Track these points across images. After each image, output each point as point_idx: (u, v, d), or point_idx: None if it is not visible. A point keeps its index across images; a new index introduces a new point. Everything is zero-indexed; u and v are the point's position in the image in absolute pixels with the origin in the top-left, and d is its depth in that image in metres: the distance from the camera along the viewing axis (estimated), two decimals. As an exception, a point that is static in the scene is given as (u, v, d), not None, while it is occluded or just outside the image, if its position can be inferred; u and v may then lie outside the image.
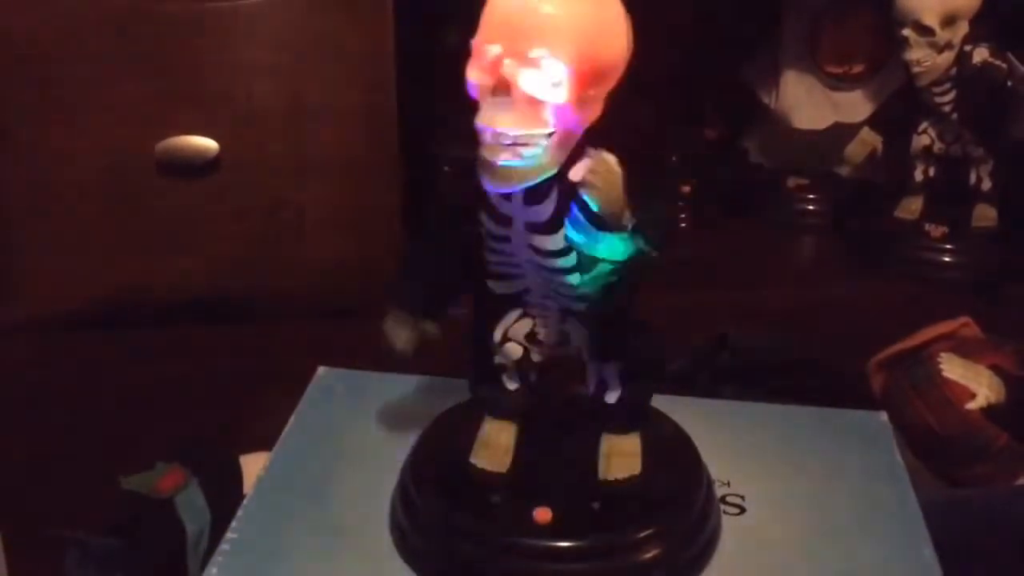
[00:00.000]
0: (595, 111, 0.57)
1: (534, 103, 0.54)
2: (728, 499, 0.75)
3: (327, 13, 1.01)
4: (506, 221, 0.60)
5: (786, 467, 0.79)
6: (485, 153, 0.56)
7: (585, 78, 0.55)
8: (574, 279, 0.61)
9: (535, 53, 0.54)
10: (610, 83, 0.57)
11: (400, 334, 0.65)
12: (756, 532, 0.72)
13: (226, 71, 1.01)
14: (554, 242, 0.60)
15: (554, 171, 0.57)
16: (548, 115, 0.55)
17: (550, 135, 0.55)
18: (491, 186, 0.57)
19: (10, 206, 1.03)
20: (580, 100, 0.55)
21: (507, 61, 0.54)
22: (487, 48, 0.54)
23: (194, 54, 1.00)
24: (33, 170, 1.02)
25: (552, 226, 0.59)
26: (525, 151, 0.55)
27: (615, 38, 0.56)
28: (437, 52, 1.24)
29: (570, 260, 0.61)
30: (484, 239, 0.62)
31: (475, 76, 0.55)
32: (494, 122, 0.55)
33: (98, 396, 1.07)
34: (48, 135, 1.01)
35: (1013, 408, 0.96)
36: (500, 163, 0.55)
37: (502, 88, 0.54)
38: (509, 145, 0.55)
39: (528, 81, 0.54)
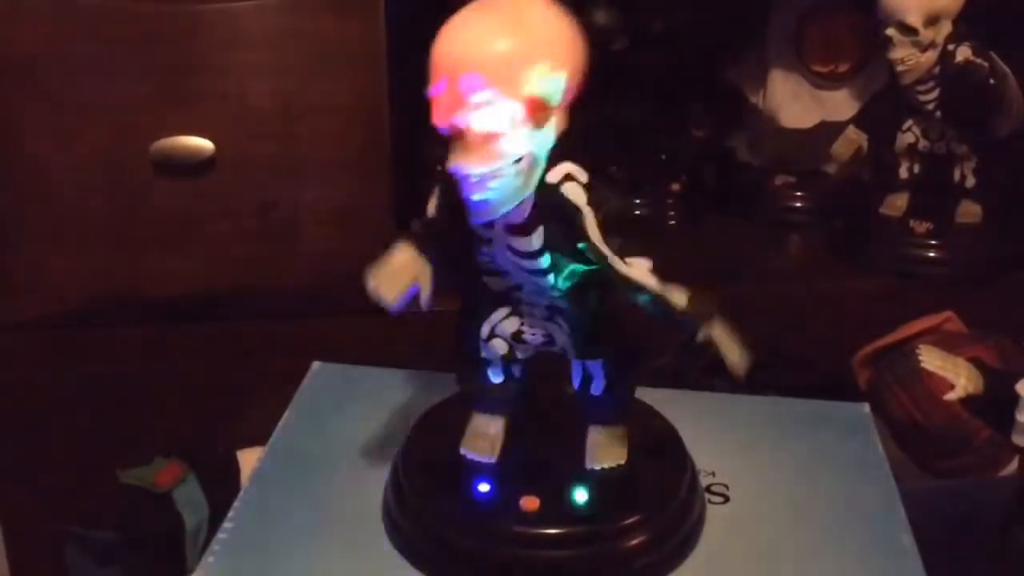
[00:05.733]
0: (559, 123, 0.59)
1: (490, 139, 0.56)
2: (713, 488, 0.76)
3: (319, 15, 1.02)
4: (488, 225, 0.62)
5: (770, 457, 0.80)
6: (464, 192, 0.58)
7: (533, 105, 0.56)
8: (549, 279, 0.63)
9: (479, 97, 0.55)
10: (565, 98, 0.58)
11: (397, 280, 0.61)
12: (739, 521, 0.73)
13: (220, 72, 1.02)
14: (528, 244, 0.62)
15: (530, 190, 0.59)
16: (507, 146, 0.56)
17: (517, 161, 0.57)
18: (476, 219, 0.60)
19: (8, 206, 1.04)
20: (535, 123, 0.57)
21: (458, 107, 0.55)
22: (439, 97, 0.56)
23: (189, 56, 1.01)
24: (30, 170, 1.02)
25: (526, 229, 0.61)
26: (495, 183, 0.57)
27: (555, 58, 0.57)
28: (428, 52, 1.25)
29: (544, 261, 0.62)
30: (474, 239, 0.64)
31: (438, 121, 0.56)
32: (460, 164, 0.57)
33: (96, 392, 1.08)
34: (45, 136, 1.01)
35: (992, 400, 0.97)
36: (476, 199, 0.58)
37: (457, 133, 0.56)
38: (479, 183, 0.57)
39: (480, 122, 0.56)
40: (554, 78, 0.57)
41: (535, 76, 0.56)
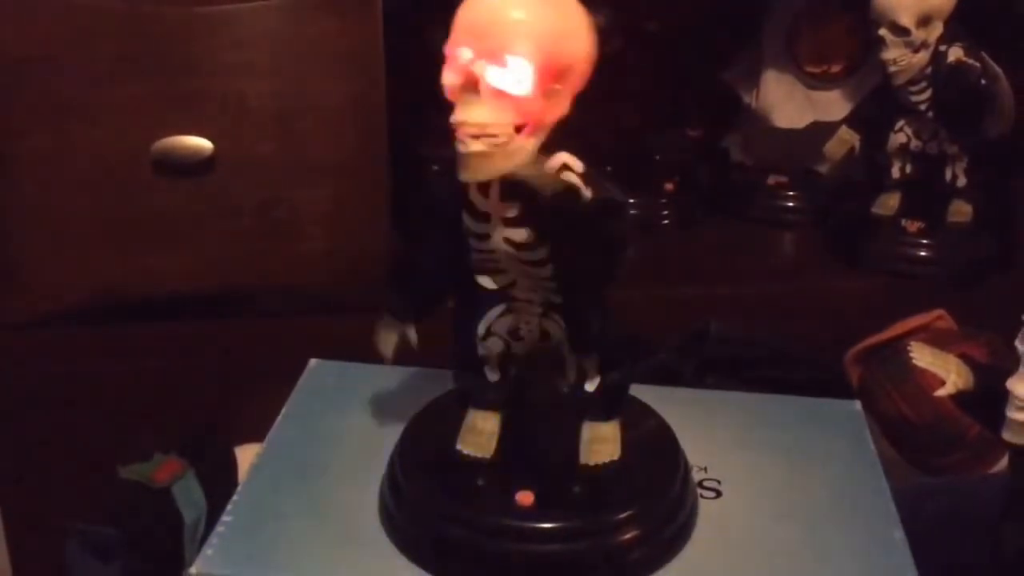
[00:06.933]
0: (562, 107, 0.61)
1: (500, 97, 0.58)
2: (705, 484, 0.77)
3: (317, 16, 1.03)
4: (485, 217, 0.64)
5: (762, 454, 0.81)
6: (460, 146, 0.59)
7: (547, 73, 0.59)
8: (546, 271, 0.65)
9: (501, 54, 0.58)
10: (575, 81, 0.61)
11: (387, 340, 0.71)
12: (731, 516, 0.74)
13: (219, 73, 1.02)
14: (526, 234, 0.63)
15: (526, 163, 0.60)
16: (513, 108, 0.59)
17: (519, 127, 0.59)
18: (467, 176, 0.61)
19: (10, 205, 1.04)
20: (545, 94, 0.59)
21: (477, 62, 0.58)
22: (459, 52, 0.59)
23: (188, 57, 1.02)
24: (32, 171, 1.03)
25: (523, 220, 0.63)
26: (495, 141, 0.59)
27: (575, 39, 0.60)
28: (425, 53, 1.26)
29: (541, 253, 0.64)
30: (467, 237, 0.65)
31: (449, 78, 0.59)
32: (466, 115, 0.59)
33: (96, 389, 1.09)
34: (47, 136, 1.02)
35: (982, 396, 0.98)
36: (472, 151, 0.59)
37: (471, 86, 0.58)
38: (480, 136, 0.59)
39: (494, 77, 0.58)
40: (571, 51, 0.60)
41: (551, 44, 0.59)
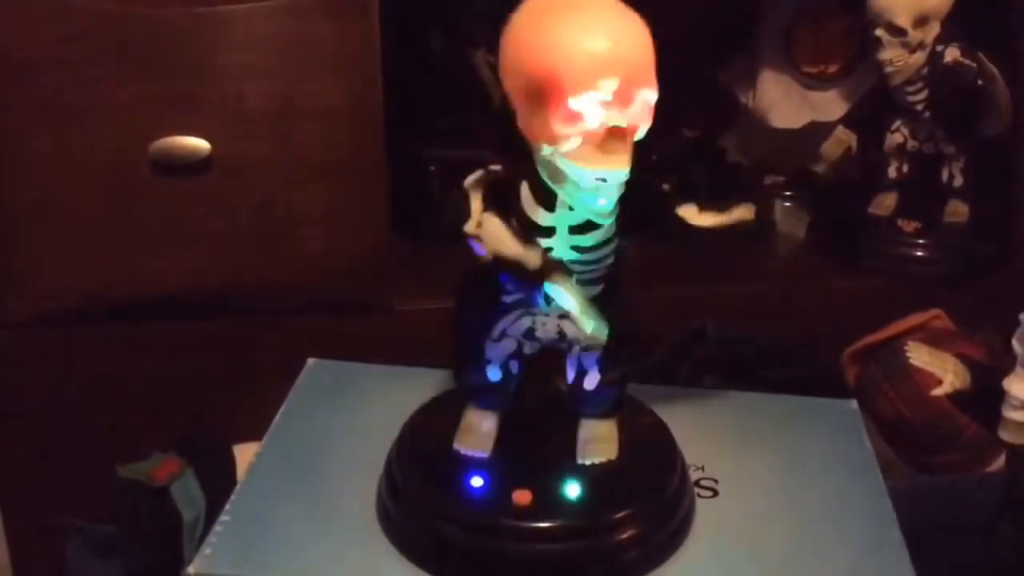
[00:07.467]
0: None
1: (633, 135, 0.56)
2: (702, 483, 0.77)
3: (315, 18, 1.03)
4: (548, 232, 0.63)
5: (758, 452, 0.81)
6: (592, 195, 0.58)
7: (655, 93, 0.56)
8: (605, 263, 0.65)
9: (643, 95, 0.55)
10: None
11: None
12: (728, 514, 0.74)
13: (218, 74, 1.03)
14: (599, 235, 0.63)
15: None
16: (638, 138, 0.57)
17: None
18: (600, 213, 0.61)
19: (7, 206, 1.04)
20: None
21: (619, 108, 0.54)
22: (583, 98, 0.54)
23: (187, 58, 1.02)
24: (30, 171, 1.03)
25: (595, 223, 0.63)
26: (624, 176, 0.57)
27: None
28: (422, 55, 1.26)
29: (605, 250, 0.64)
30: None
31: (570, 130, 0.55)
32: (618, 167, 0.56)
33: (95, 389, 1.09)
34: (47, 137, 1.02)
35: (979, 395, 0.98)
36: (610, 197, 0.58)
37: (618, 136, 0.55)
38: (618, 182, 0.57)
39: (638, 118, 0.55)
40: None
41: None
